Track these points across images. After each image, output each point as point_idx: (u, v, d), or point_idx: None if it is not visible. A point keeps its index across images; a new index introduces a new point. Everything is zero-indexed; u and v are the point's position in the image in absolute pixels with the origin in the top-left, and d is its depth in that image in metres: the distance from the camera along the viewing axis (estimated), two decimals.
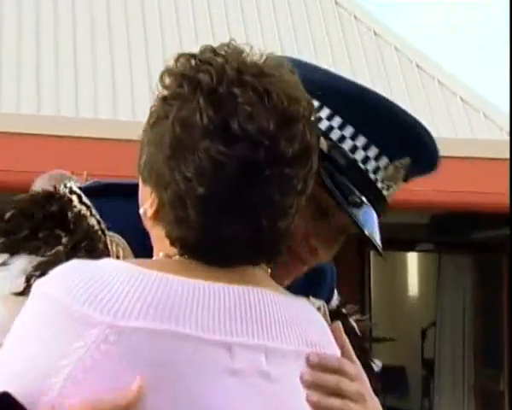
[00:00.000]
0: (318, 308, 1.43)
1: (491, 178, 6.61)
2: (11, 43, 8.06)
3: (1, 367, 1.07)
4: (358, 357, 1.21)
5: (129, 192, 1.28)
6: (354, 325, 1.51)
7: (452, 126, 8.08)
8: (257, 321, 1.11)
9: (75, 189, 1.35)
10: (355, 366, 1.16)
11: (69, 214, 1.31)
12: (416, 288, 11.44)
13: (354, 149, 1.33)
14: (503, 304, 8.36)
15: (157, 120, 1.13)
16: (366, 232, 1.32)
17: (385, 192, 1.36)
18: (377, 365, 1.50)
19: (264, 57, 1.15)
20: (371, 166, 1.34)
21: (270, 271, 1.20)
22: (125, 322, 1.04)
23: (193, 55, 1.14)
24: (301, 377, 1.11)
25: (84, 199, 1.34)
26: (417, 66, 8.69)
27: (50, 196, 1.35)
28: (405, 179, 1.37)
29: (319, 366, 1.11)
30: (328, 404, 1.09)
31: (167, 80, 1.14)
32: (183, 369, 1.05)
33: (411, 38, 9.46)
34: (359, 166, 1.33)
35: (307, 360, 1.12)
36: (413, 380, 11.11)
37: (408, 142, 1.34)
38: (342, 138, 1.33)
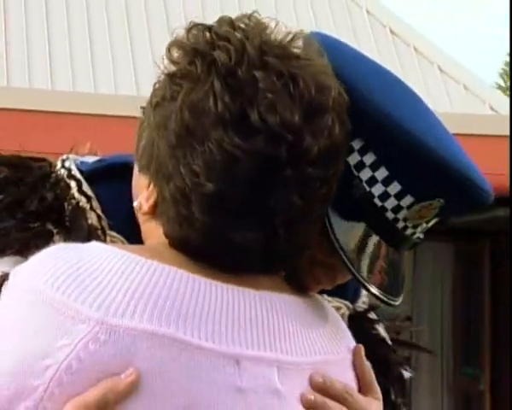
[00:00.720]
0: (337, 309, 1.38)
1: (473, 155, 6.56)
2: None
3: None
4: (384, 369, 1.19)
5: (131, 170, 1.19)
6: (382, 332, 1.45)
7: (429, 99, 7.83)
8: (269, 330, 1.06)
9: (75, 172, 1.23)
10: (366, 400, 1.13)
11: (66, 206, 1.20)
12: None
13: (372, 180, 1.22)
14: (484, 297, 8.42)
15: (162, 100, 1.08)
16: (368, 287, 1.23)
17: (409, 231, 1.25)
18: (406, 375, 1.46)
19: (291, 35, 1.09)
20: (391, 203, 1.23)
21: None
22: (118, 320, 1.00)
23: (208, 28, 1.08)
24: (301, 397, 1.06)
25: (85, 188, 1.22)
26: (391, 31, 8.72)
27: (45, 178, 1.22)
28: (440, 216, 1.26)
29: (323, 389, 1.09)
30: None
31: (176, 54, 1.09)
32: (179, 382, 1.00)
33: (385, 1, 9.57)
34: (374, 203, 1.23)
35: (310, 380, 1.08)
36: None
37: (439, 183, 1.22)
38: (361, 165, 1.22)
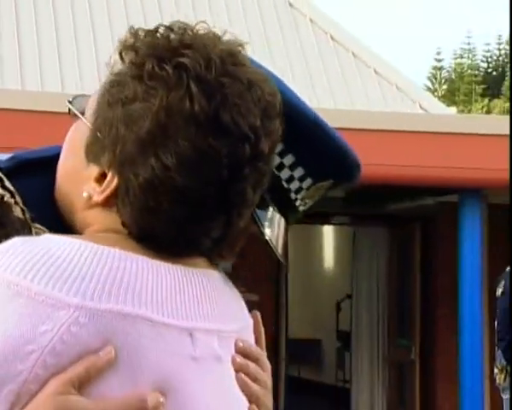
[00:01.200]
0: None
1: (405, 150, 6.73)
2: None
3: None
4: None
5: (46, 165, 1.18)
6: None
7: (366, 99, 8.19)
8: (211, 303, 1.09)
9: None
10: (265, 358, 1.20)
11: None
12: (331, 261, 11.60)
13: (281, 166, 1.30)
14: (416, 276, 8.58)
15: (131, 100, 1.06)
16: (267, 237, 1.32)
17: (301, 208, 1.36)
18: None
19: (237, 45, 1.10)
20: (294, 186, 1.33)
21: None
22: (96, 303, 1.00)
23: (166, 34, 1.08)
24: (233, 361, 1.12)
25: (7, 183, 1.17)
26: (332, 38, 8.79)
27: None
28: (323, 194, 1.38)
29: (244, 352, 1.15)
30: (253, 389, 1.15)
31: (131, 57, 1.08)
32: (150, 357, 1.02)
33: (326, 9, 9.56)
34: (282, 185, 1.32)
35: (235, 345, 1.13)
36: (328, 352, 11.33)
37: (336, 169, 1.34)
38: None
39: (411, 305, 8.65)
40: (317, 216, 8.28)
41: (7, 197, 1.15)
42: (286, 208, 1.34)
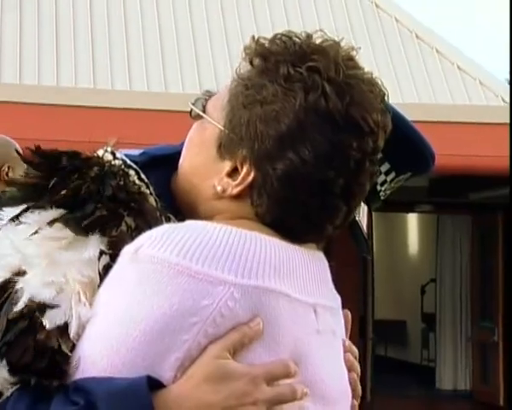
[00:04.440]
0: None
1: (487, 141, 6.61)
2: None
3: (112, 332, 1.02)
4: None
5: (167, 161, 1.20)
6: None
7: (450, 94, 8.09)
8: (324, 283, 1.12)
9: (130, 162, 1.18)
10: None
11: (130, 191, 1.15)
12: (415, 247, 11.50)
13: None
14: (498, 261, 8.45)
15: (270, 101, 1.07)
16: (358, 221, 1.37)
17: (382, 198, 1.41)
18: None
19: (352, 49, 1.11)
20: (381, 179, 1.37)
21: None
22: (246, 281, 1.03)
23: (289, 43, 1.10)
24: (343, 342, 1.16)
25: (142, 175, 1.18)
26: (417, 36, 8.71)
27: (105, 168, 1.16)
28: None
29: (346, 328, 1.20)
30: (352, 360, 1.20)
31: (261, 62, 1.10)
32: (287, 328, 1.06)
33: (411, 9, 9.41)
34: None
35: (346, 329, 1.17)
36: (413, 333, 11.25)
37: (416, 162, 1.39)
38: None
39: (494, 289, 8.52)
40: (402, 205, 8.20)
41: (143, 188, 1.17)
42: (370, 198, 1.37)
